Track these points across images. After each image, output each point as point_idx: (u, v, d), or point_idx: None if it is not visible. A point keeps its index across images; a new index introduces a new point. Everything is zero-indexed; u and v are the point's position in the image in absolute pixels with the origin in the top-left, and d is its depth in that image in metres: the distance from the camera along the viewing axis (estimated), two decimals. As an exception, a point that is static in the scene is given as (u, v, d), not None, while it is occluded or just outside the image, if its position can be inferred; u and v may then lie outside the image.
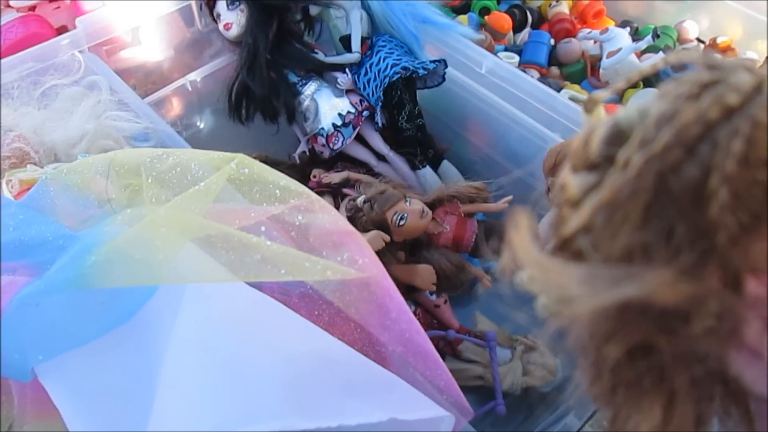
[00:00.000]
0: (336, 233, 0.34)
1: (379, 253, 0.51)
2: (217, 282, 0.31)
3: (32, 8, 0.86)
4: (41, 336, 0.31)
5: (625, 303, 0.18)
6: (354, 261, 0.32)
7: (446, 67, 0.72)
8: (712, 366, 0.20)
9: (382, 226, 0.58)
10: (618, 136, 0.20)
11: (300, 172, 0.76)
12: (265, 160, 0.73)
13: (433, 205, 0.64)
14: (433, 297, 0.68)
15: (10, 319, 0.33)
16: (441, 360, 0.34)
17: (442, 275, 0.62)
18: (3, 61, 0.68)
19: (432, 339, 0.65)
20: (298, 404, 0.27)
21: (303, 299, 0.38)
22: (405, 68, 0.68)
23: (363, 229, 0.57)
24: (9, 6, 0.84)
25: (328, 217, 0.34)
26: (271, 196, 0.33)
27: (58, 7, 0.86)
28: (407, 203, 0.58)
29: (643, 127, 0.19)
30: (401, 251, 0.62)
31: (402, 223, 0.57)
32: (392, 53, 0.70)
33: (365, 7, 0.74)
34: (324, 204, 0.35)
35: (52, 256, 0.35)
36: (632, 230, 0.19)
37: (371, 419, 0.28)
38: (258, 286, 0.37)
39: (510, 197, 0.67)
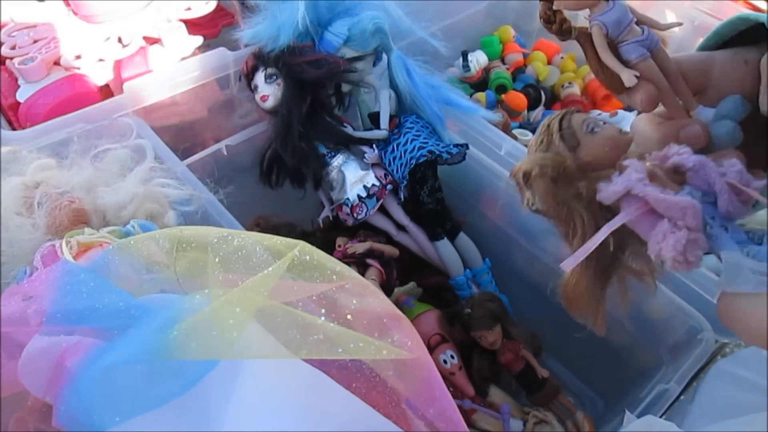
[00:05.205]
0: (385, 316, 0.38)
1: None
2: (279, 358, 0.35)
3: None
4: (118, 399, 0.35)
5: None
6: (404, 343, 0.36)
7: (467, 149, 0.77)
8: None
9: None
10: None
11: (322, 237, 0.80)
12: (284, 224, 0.78)
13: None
14: (448, 365, 0.71)
15: (84, 383, 0.36)
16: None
17: (476, 371, 0.73)
18: (54, 121, 0.72)
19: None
20: None
21: (341, 371, 0.42)
22: (431, 152, 0.73)
23: None
24: (57, 64, 0.89)
25: (378, 300, 0.38)
26: (328, 280, 0.37)
27: (102, 67, 0.91)
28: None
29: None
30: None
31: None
32: (419, 135, 0.75)
33: (393, 87, 0.80)
34: (373, 288, 0.39)
35: (122, 323, 0.39)
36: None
37: None
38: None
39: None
